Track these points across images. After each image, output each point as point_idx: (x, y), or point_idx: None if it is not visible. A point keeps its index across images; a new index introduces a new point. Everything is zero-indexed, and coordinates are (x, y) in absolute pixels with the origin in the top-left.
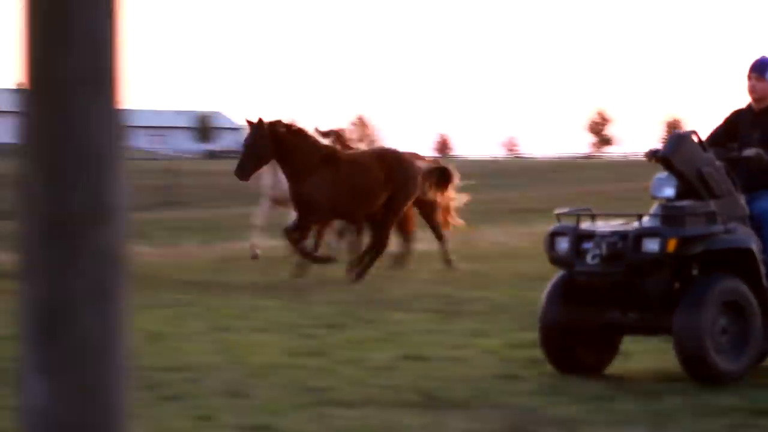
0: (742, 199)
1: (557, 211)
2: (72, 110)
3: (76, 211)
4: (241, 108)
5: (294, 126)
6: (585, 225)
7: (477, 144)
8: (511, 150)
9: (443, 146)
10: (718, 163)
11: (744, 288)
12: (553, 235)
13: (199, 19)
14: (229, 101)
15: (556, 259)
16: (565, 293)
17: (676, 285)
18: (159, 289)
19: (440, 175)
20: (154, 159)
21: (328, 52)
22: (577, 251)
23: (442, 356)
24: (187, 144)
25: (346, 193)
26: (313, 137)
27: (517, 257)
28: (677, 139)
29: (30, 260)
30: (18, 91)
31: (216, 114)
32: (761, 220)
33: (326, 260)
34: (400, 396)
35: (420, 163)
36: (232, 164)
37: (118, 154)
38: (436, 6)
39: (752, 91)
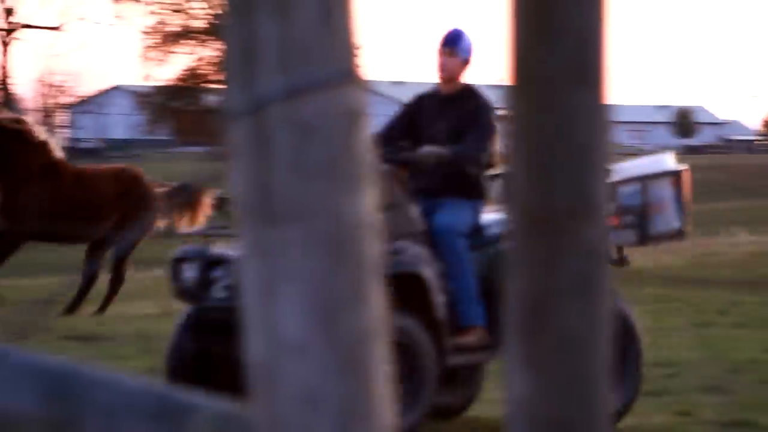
0: (414, 211)
1: (183, 230)
2: (558, 106)
3: (561, 207)
4: (723, 102)
5: (18, 126)
6: (220, 248)
7: None
8: None
9: None
10: (383, 166)
11: (412, 324)
12: (177, 262)
13: (680, 12)
14: (712, 95)
15: (181, 292)
16: (198, 329)
17: None
18: (639, 284)
19: (187, 196)
20: (634, 154)
21: None
22: (205, 281)
23: None
24: (667, 139)
25: (66, 210)
26: (40, 142)
27: None
28: None
29: (516, 254)
30: (503, 87)
31: (698, 108)
32: (442, 236)
33: None
34: None
35: (160, 186)
36: (712, 159)
37: (602, 150)
38: None
39: (442, 69)
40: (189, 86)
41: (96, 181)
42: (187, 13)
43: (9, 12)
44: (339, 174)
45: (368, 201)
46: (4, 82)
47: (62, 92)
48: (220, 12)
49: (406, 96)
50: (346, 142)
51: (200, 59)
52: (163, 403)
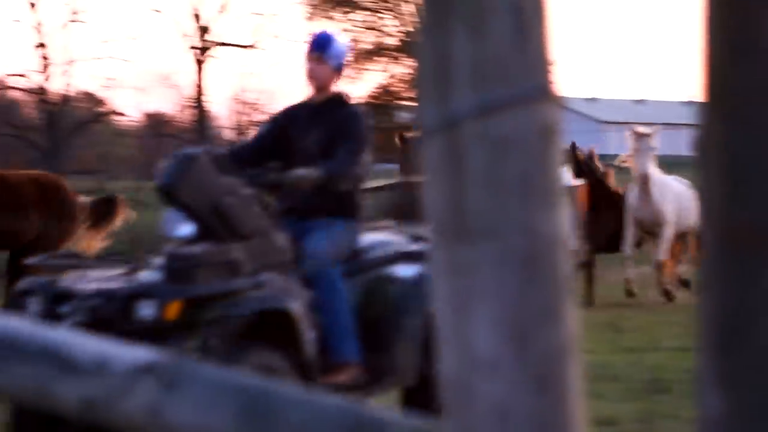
0: (281, 238)
1: (30, 260)
2: (754, 122)
3: (758, 223)
4: None
5: None
6: (73, 279)
7: None
8: None
9: None
10: (246, 190)
11: (278, 363)
12: (21, 295)
13: None
14: None
15: None
16: None
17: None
18: None
19: (108, 206)
20: None
21: None
22: (52, 317)
23: None
24: None
25: None
26: None
27: None
28: (180, 161)
29: (711, 271)
30: (695, 103)
31: None
32: (313, 265)
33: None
34: None
35: (80, 196)
36: None
37: None
38: None
39: (310, 76)
40: (382, 103)
41: (17, 185)
42: (380, 31)
43: (204, 30)
44: (533, 191)
45: (562, 218)
46: (198, 100)
47: (256, 110)
48: (412, 29)
49: (600, 113)
50: (540, 158)
51: (392, 76)
52: (357, 420)
